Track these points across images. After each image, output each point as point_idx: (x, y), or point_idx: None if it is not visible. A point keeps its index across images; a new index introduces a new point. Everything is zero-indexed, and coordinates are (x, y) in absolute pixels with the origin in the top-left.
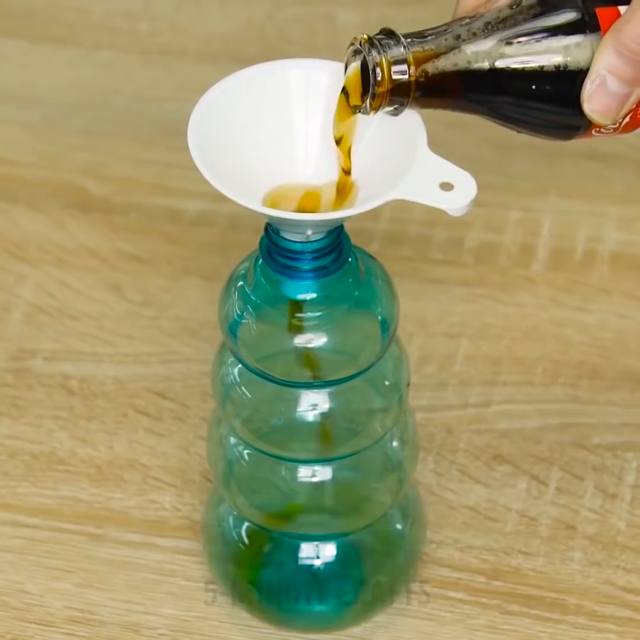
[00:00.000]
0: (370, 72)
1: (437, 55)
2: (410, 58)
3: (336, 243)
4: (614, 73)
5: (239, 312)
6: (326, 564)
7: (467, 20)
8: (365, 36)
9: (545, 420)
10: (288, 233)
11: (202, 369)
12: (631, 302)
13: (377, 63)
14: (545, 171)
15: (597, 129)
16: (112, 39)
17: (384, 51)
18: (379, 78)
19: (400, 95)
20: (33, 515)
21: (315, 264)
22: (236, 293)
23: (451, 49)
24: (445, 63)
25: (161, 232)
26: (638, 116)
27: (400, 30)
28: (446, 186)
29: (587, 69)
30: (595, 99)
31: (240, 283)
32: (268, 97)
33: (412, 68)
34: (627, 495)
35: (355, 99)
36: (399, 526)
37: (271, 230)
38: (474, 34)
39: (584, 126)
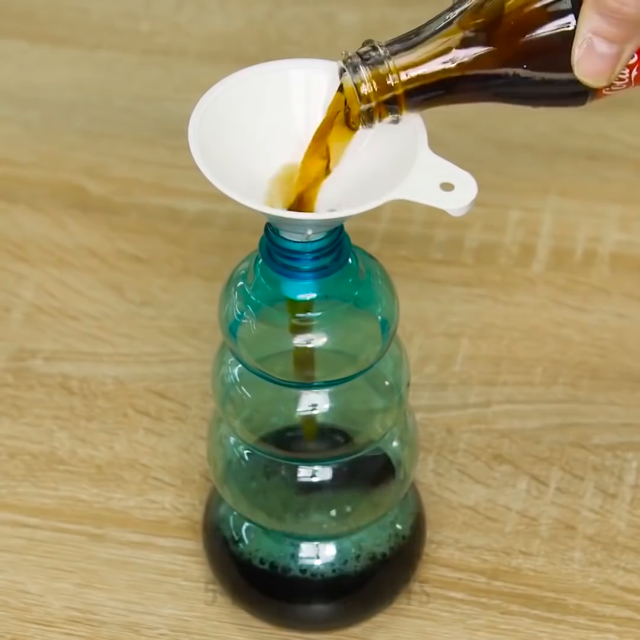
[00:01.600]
0: (356, 90)
1: (420, 58)
2: (393, 67)
3: (336, 243)
4: (599, 34)
5: (239, 312)
6: (326, 564)
7: (449, 10)
8: (345, 54)
9: (545, 420)
10: (288, 233)
11: (202, 369)
12: (631, 302)
13: (360, 80)
14: (545, 171)
15: (608, 88)
16: (112, 39)
17: (364, 66)
18: (365, 93)
19: (391, 104)
20: (33, 515)
21: (315, 264)
22: (236, 293)
23: (434, 47)
24: (430, 64)
25: (161, 232)
26: None
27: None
28: (447, 186)
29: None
30: (585, 63)
31: (240, 283)
32: (268, 97)
33: (396, 77)
34: (627, 495)
35: (354, 118)
36: (399, 526)
37: (271, 230)
38: (452, 25)
39: (591, 90)
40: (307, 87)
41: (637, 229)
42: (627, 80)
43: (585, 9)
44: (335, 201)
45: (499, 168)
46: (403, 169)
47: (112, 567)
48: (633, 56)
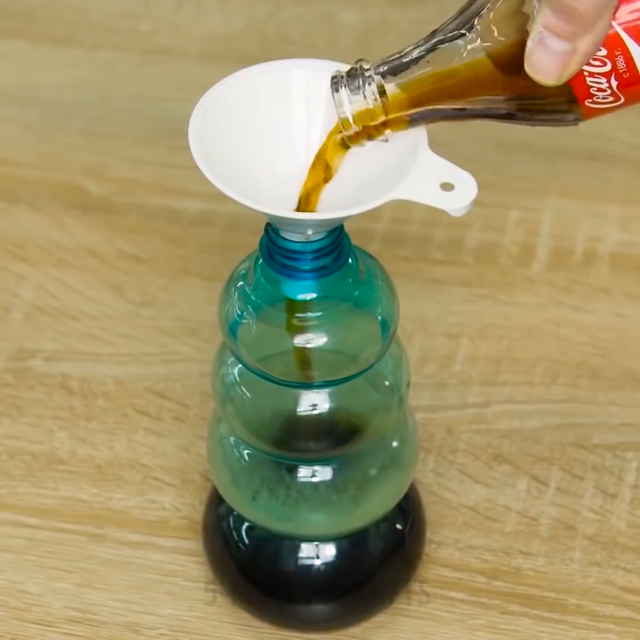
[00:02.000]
0: (337, 111)
1: (401, 84)
2: (375, 92)
3: (336, 243)
4: (550, 29)
5: (239, 312)
6: (326, 564)
7: (431, 35)
8: (334, 74)
9: (545, 420)
10: (288, 233)
11: (202, 369)
12: (631, 302)
13: (340, 102)
14: (545, 171)
15: (592, 101)
16: (112, 39)
17: (347, 89)
18: (345, 117)
19: (376, 128)
20: (33, 515)
21: (315, 264)
22: (236, 293)
23: (416, 69)
24: (411, 91)
25: (161, 232)
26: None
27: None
28: (447, 186)
29: None
30: (534, 57)
31: (240, 283)
32: (268, 97)
33: (377, 99)
34: (627, 495)
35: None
36: (399, 527)
37: (271, 230)
38: (434, 51)
39: (574, 109)
40: (307, 87)
41: (637, 229)
42: (608, 91)
43: (542, 4)
44: (335, 201)
45: (499, 168)
46: (403, 169)
47: (112, 567)
48: (605, 63)
